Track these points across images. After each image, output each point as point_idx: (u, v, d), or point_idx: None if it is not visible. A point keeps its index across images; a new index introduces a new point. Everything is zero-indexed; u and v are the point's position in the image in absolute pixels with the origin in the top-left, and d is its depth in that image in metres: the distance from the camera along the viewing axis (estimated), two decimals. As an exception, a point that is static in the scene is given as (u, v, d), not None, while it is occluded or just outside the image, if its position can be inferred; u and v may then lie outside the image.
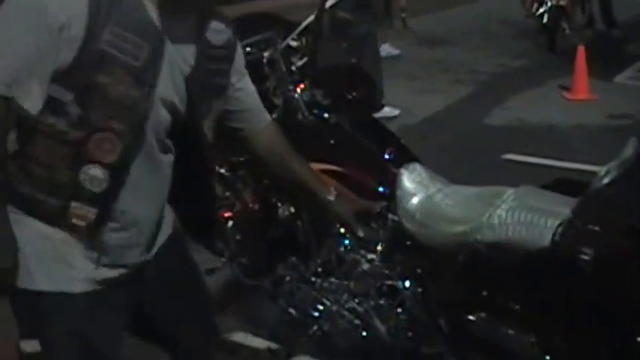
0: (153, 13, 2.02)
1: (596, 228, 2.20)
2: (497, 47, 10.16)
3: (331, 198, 2.68)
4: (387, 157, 3.11)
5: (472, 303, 2.61)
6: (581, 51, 7.63)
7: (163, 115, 2.10)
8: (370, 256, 3.10)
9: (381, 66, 7.14)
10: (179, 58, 2.09)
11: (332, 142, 3.14)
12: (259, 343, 3.45)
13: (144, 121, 2.02)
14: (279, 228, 3.25)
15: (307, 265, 3.26)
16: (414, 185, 2.94)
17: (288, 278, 3.30)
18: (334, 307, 3.17)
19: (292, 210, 3.22)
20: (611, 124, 6.79)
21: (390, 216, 3.00)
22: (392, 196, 2.96)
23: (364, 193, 3.00)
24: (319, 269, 3.23)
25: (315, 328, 3.22)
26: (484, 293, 2.58)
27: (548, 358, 2.36)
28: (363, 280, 3.12)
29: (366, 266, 3.11)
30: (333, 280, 3.21)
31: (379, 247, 3.06)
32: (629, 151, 2.38)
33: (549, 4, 9.96)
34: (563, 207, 2.48)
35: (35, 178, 1.99)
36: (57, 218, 2.01)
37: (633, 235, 2.12)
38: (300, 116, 3.14)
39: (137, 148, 2.03)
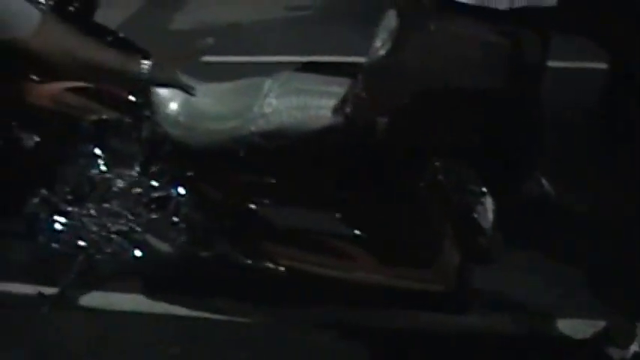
0: None
1: (386, 94, 2.27)
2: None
3: (144, 69, 2.35)
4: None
5: (261, 194, 2.60)
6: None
7: None
8: (129, 172, 2.96)
9: None
10: None
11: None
12: (25, 289, 3.16)
13: None
14: (26, 161, 2.97)
15: (61, 195, 3.03)
16: (168, 89, 2.82)
17: (42, 215, 3.05)
18: (102, 233, 3.01)
19: (38, 139, 2.94)
20: (290, 15, 6.98)
21: (146, 125, 2.88)
22: (146, 104, 2.82)
23: (118, 105, 2.83)
24: (77, 197, 3.02)
25: (83, 259, 3.04)
26: (272, 182, 2.58)
27: (357, 231, 2.44)
28: (126, 198, 2.98)
29: (126, 183, 2.97)
30: (92, 204, 3.03)
31: (140, 160, 2.93)
32: (391, 22, 2.47)
33: None
34: (330, 86, 2.56)
35: None
36: None
37: (420, 94, 2.23)
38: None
39: None
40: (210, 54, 5.64)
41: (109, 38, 3.06)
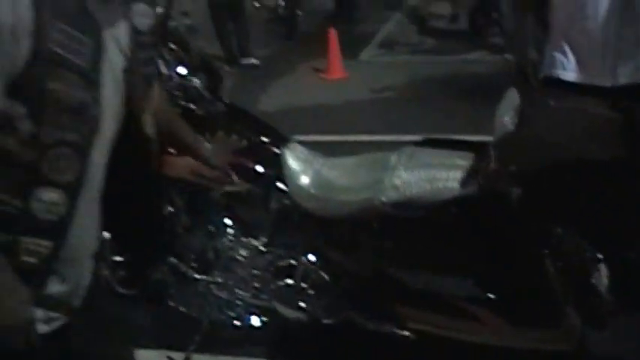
0: (89, 2, 1.83)
1: (517, 166, 2.44)
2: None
3: (206, 151, 2.70)
4: (263, 139, 3.16)
5: (390, 260, 2.75)
6: (332, 33, 8.03)
7: (110, 117, 1.92)
8: (254, 242, 3.15)
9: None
10: (114, 50, 1.92)
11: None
12: (154, 353, 3.32)
13: (96, 126, 1.84)
14: (162, 230, 3.17)
15: (189, 264, 3.22)
16: (299, 163, 3.03)
17: (170, 281, 3.24)
18: (228, 299, 3.18)
19: (172, 209, 3.15)
20: (375, 97, 7.23)
21: (276, 197, 3.07)
22: (277, 177, 3.02)
23: (250, 177, 3.04)
24: (204, 264, 3.21)
25: (209, 324, 3.20)
26: (402, 248, 2.73)
27: (490, 294, 2.57)
28: (253, 265, 3.15)
29: (254, 251, 3.15)
30: (219, 272, 3.20)
31: (268, 229, 3.11)
32: (514, 100, 2.66)
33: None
34: (453, 159, 2.73)
35: None
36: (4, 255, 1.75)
37: (551, 164, 2.39)
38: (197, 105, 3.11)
39: (90, 161, 1.85)
40: (301, 134, 5.94)
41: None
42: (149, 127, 2.10)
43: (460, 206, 2.58)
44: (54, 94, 1.72)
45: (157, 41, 2.21)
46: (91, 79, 1.81)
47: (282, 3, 10.45)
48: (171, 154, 3.09)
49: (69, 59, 1.74)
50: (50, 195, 1.75)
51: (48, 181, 1.75)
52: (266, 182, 3.07)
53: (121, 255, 3.30)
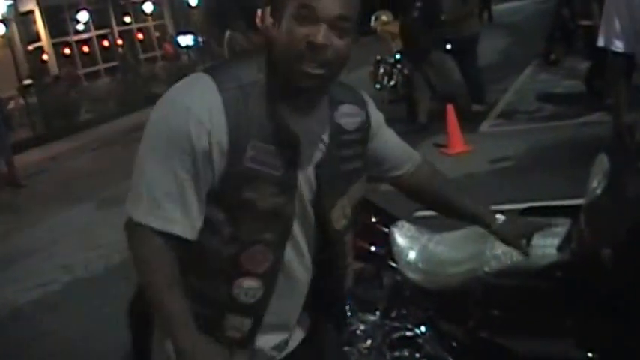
0: (286, 115, 1.99)
1: (607, 228, 2.56)
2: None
3: (496, 224, 2.54)
4: (373, 220, 3.38)
5: (497, 326, 2.89)
6: (450, 109, 8.23)
7: (303, 212, 2.08)
8: (371, 317, 3.34)
9: None
10: (311, 150, 2.06)
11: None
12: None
13: (290, 224, 2.03)
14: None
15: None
16: (407, 240, 3.23)
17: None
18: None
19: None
20: (495, 167, 7.35)
21: (387, 273, 3.26)
22: (387, 254, 3.23)
23: (363, 256, 3.25)
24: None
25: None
26: (507, 315, 2.87)
27: (590, 355, 2.66)
28: (370, 338, 3.34)
29: (370, 326, 3.34)
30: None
31: (382, 304, 3.30)
32: (604, 164, 2.78)
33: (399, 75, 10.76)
34: (552, 226, 2.85)
35: (191, 290, 1.99)
36: (212, 330, 2.03)
37: (633, 226, 2.49)
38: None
39: (285, 253, 2.05)
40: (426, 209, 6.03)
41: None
42: (337, 222, 2.16)
43: (557, 271, 2.70)
44: (250, 203, 1.94)
45: (367, 136, 2.25)
46: (285, 185, 1.99)
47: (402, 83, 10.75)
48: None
49: (262, 172, 1.94)
50: (249, 283, 2.00)
51: (246, 272, 1.99)
52: (378, 260, 3.27)
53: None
